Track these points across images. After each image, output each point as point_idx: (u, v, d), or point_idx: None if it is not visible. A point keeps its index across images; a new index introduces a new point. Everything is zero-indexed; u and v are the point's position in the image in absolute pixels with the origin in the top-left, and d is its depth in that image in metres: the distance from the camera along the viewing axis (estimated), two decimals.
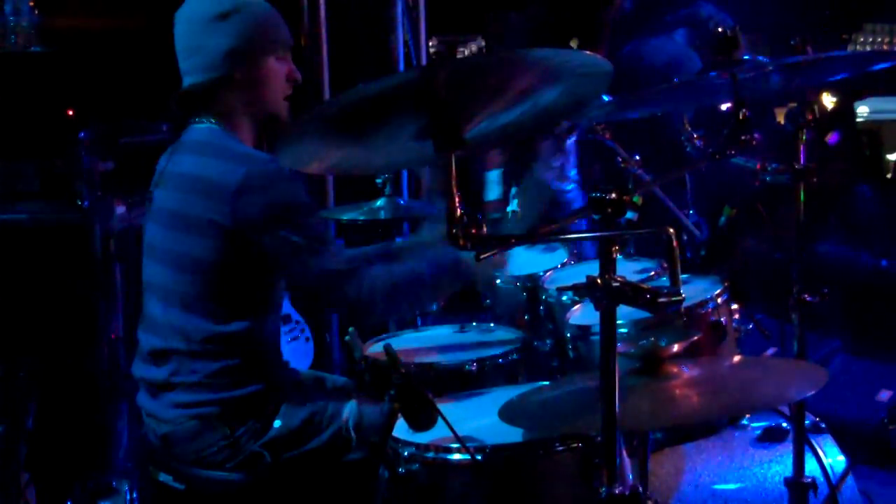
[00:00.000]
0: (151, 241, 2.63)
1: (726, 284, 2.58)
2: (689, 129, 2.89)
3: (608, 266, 1.70)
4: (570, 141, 4.26)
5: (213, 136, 2.57)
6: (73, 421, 3.66)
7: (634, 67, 5.27)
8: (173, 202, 2.57)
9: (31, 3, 3.94)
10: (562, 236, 2.97)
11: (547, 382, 2.38)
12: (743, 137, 2.24)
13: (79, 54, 3.95)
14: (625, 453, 2.08)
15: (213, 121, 2.59)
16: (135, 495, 3.50)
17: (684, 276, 2.10)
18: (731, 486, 2.63)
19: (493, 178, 4.45)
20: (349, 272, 2.48)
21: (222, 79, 2.55)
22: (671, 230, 1.79)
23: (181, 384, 2.54)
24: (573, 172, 4.43)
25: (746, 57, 2.46)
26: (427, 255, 2.58)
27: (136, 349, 2.67)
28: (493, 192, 4.42)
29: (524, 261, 3.33)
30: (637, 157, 3.18)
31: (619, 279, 1.69)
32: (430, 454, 2.05)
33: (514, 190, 3.23)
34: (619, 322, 1.74)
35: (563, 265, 3.18)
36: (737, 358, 2.32)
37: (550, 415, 2.10)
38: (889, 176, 5.26)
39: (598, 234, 1.73)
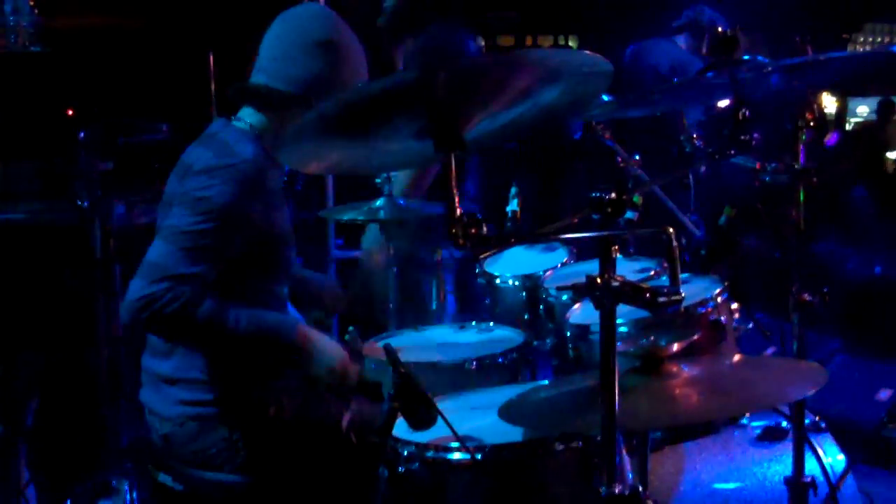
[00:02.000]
0: (157, 228, 2.66)
1: (726, 284, 2.58)
2: (689, 129, 2.89)
3: (608, 265, 1.71)
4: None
5: (234, 133, 2.59)
6: (72, 420, 3.66)
7: (639, 69, 5.28)
8: (169, 191, 2.62)
9: (31, 3, 3.94)
10: (562, 235, 2.97)
11: (546, 382, 2.38)
12: (742, 137, 2.24)
13: (79, 54, 3.95)
14: (624, 452, 2.08)
15: (255, 121, 2.62)
16: (135, 495, 3.50)
17: (684, 275, 2.11)
18: (731, 486, 2.63)
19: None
20: (144, 300, 2.35)
21: (298, 97, 2.60)
22: (671, 230, 1.80)
23: (184, 380, 2.55)
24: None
25: (746, 57, 2.46)
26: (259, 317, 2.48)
27: (147, 340, 2.68)
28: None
29: (524, 260, 3.33)
30: (637, 157, 3.18)
31: (618, 279, 1.70)
32: (430, 453, 2.05)
33: (513, 190, 3.23)
34: (618, 321, 1.74)
35: (563, 264, 3.18)
36: (736, 357, 2.32)
37: (550, 414, 2.10)
38: (891, 172, 5.27)
39: (597, 233, 1.73)
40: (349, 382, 2.55)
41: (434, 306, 3.36)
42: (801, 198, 2.57)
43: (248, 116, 2.65)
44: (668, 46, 5.41)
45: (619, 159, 3.19)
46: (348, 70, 2.65)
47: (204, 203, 2.43)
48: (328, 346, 2.55)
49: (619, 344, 1.74)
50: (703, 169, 3.82)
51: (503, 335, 2.90)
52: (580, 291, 1.73)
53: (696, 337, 2.16)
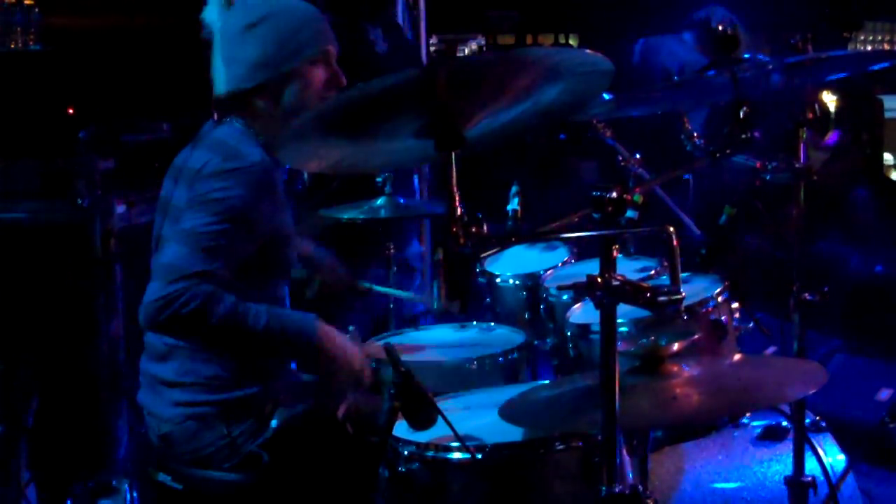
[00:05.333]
0: (155, 231, 2.65)
1: (726, 283, 2.58)
2: (690, 127, 2.89)
3: (608, 265, 1.70)
4: None
5: (229, 134, 2.58)
6: (73, 420, 3.66)
7: (649, 67, 5.27)
8: (168, 193, 2.61)
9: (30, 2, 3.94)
10: (562, 235, 2.98)
11: (547, 381, 2.38)
12: (743, 136, 2.24)
13: (79, 54, 3.95)
14: (625, 452, 2.08)
15: (241, 122, 2.61)
16: (135, 495, 3.50)
17: (684, 274, 2.10)
18: (731, 485, 2.63)
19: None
20: (162, 301, 2.33)
21: (255, 88, 2.58)
22: (671, 229, 1.79)
23: (182, 383, 2.55)
24: None
25: (747, 56, 2.46)
26: (280, 316, 2.47)
27: (145, 343, 2.67)
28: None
29: (524, 260, 3.33)
30: (638, 156, 3.18)
31: (619, 278, 1.69)
32: (431, 453, 2.05)
33: (513, 189, 3.23)
34: (619, 321, 1.74)
35: (564, 264, 3.18)
36: (737, 357, 2.32)
37: (550, 413, 2.10)
38: (893, 177, 5.27)
39: (598, 232, 1.73)
40: (364, 383, 2.54)
41: (434, 306, 3.36)
42: (802, 197, 2.57)
43: (237, 123, 2.63)
44: (677, 46, 5.41)
45: (620, 158, 3.19)
46: (288, 36, 2.58)
47: (219, 204, 2.42)
48: (348, 346, 2.52)
49: (619, 343, 1.74)
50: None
51: (503, 335, 2.90)
52: (581, 291, 1.73)
53: (696, 336, 2.16)
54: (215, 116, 2.67)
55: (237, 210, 2.42)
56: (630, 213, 1.76)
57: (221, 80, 2.62)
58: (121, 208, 3.83)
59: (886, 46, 5.85)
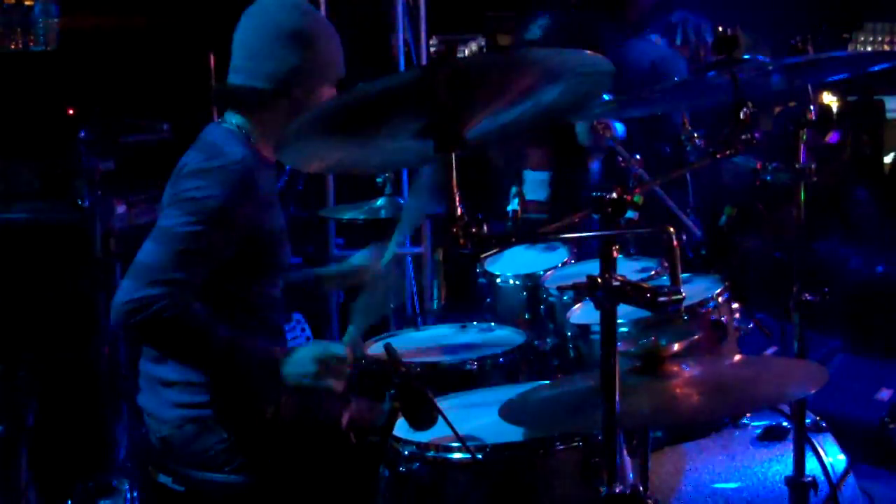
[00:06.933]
0: None
1: (727, 284, 2.58)
2: (690, 128, 2.88)
3: (608, 265, 1.70)
4: None
5: (217, 132, 2.59)
6: (73, 420, 3.66)
7: (618, 69, 5.27)
8: (164, 197, 2.61)
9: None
10: (562, 235, 2.97)
11: (547, 382, 2.38)
12: (743, 137, 2.24)
13: (79, 54, 3.95)
14: (625, 452, 2.08)
15: (240, 122, 2.61)
16: (135, 495, 3.50)
17: (685, 275, 2.10)
18: (732, 486, 2.63)
19: (537, 178, 4.42)
20: (134, 303, 2.34)
21: (278, 92, 2.58)
22: (671, 229, 1.79)
23: (181, 382, 2.54)
24: None
25: (746, 56, 2.46)
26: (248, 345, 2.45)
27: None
28: (536, 192, 4.37)
29: (525, 260, 3.33)
30: (637, 157, 3.18)
31: (619, 278, 1.69)
32: (431, 453, 2.05)
33: (513, 189, 3.23)
34: (619, 321, 1.74)
35: (564, 264, 3.18)
36: (737, 357, 2.32)
37: (551, 414, 2.10)
38: (887, 172, 5.27)
39: (597, 233, 1.73)
40: (342, 372, 2.48)
41: (435, 306, 3.37)
42: (802, 197, 2.57)
43: (233, 118, 2.64)
44: (645, 45, 5.41)
45: (620, 159, 3.19)
46: (324, 56, 2.62)
47: (194, 204, 2.42)
48: (299, 355, 2.48)
49: (619, 344, 1.74)
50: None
51: (504, 335, 2.90)
52: (581, 291, 1.72)
53: (696, 337, 2.16)
54: (215, 114, 2.67)
55: (213, 210, 2.42)
56: (629, 214, 1.76)
57: (245, 69, 2.62)
58: (121, 208, 3.84)
59: (886, 47, 5.85)
